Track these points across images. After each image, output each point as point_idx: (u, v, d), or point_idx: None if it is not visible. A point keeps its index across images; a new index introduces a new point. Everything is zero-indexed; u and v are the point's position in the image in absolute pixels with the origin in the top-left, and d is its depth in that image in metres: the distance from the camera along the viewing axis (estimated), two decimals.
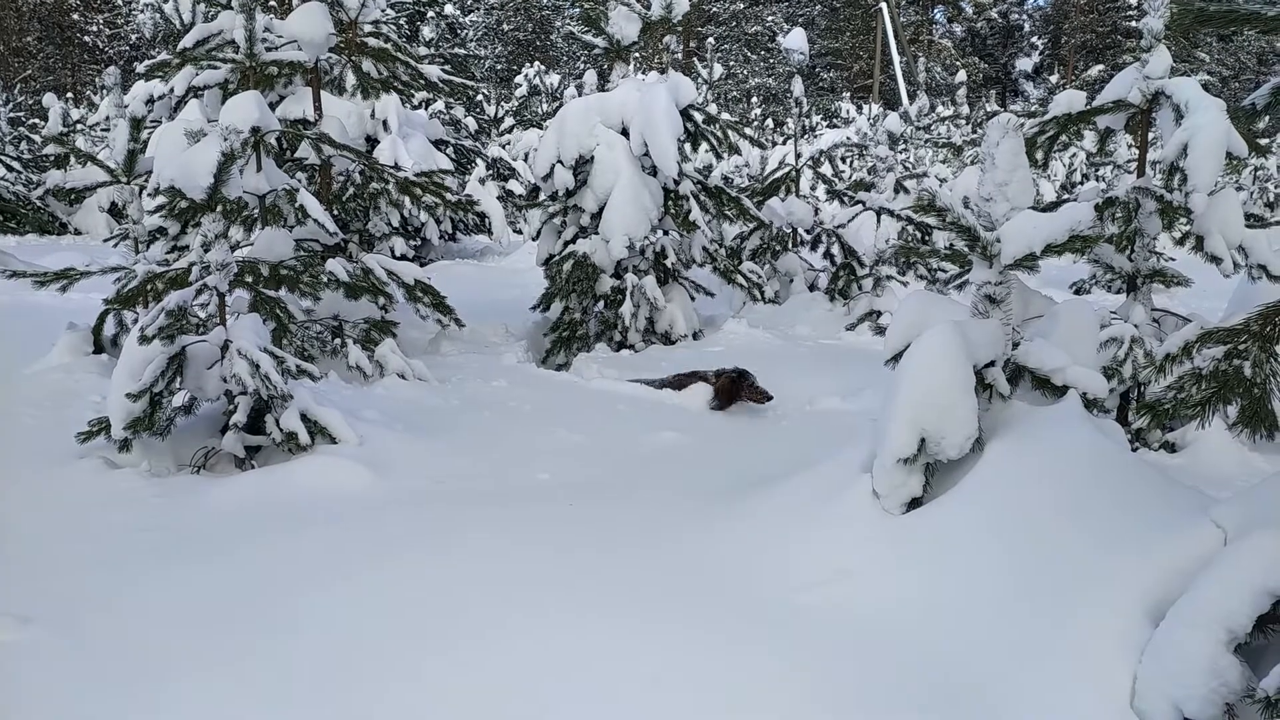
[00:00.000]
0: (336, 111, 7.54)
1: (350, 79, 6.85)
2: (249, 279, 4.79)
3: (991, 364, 3.33)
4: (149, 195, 4.91)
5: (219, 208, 4.05)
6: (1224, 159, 4.46)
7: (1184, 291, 5.77)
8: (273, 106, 8.07)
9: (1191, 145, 4.34)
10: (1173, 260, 5.34)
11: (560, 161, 7.14)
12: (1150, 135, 5.10)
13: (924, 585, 2.85)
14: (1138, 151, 5.09)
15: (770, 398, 5.45)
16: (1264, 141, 17.69)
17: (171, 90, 8.11)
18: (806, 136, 18.70)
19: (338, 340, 5.74)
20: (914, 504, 3.15)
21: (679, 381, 5.70)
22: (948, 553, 2.88)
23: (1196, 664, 2.26)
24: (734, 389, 5.47)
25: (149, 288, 4.88)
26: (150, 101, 9.71)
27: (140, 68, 7.56)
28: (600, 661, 2.63)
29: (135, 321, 5.05)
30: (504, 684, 2.53)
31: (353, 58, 6.66)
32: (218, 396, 4.18)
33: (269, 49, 6.16)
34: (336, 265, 5.35)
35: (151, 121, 8.60)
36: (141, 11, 15.01)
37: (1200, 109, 4.49)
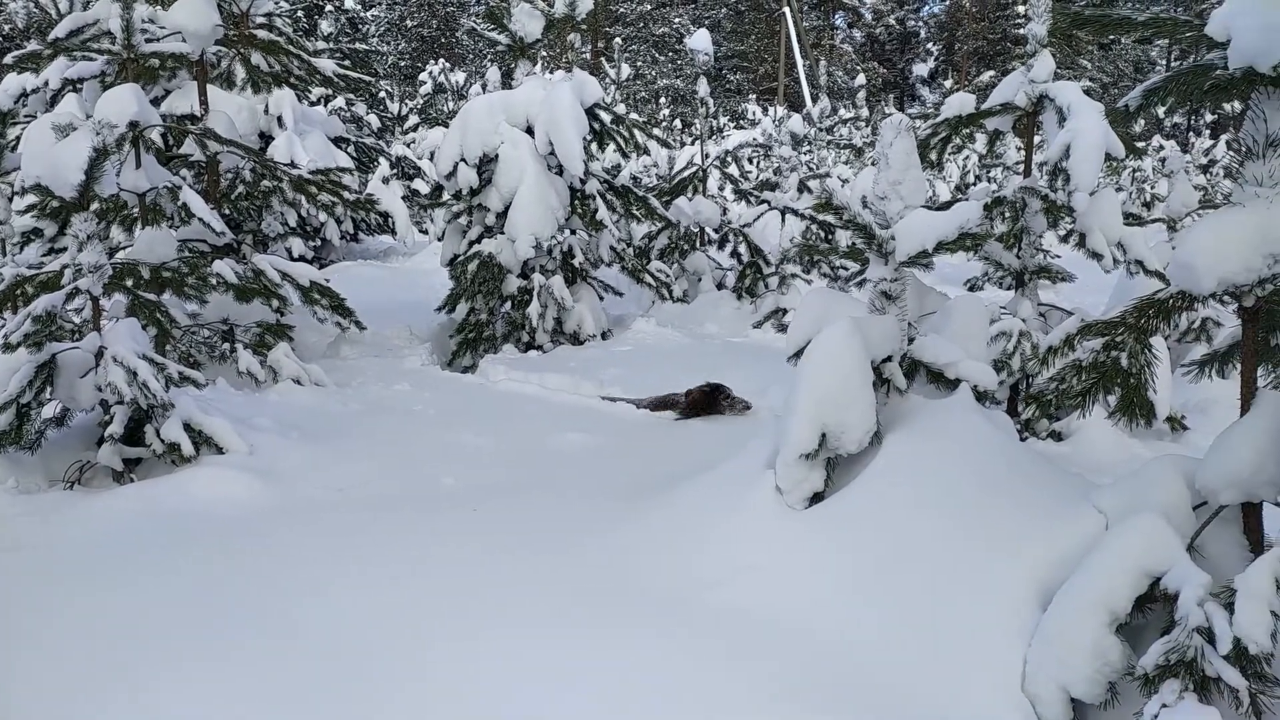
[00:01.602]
0: (225, 107, 7.20)
1: (240, 73, 6.56)
2: (128, 282, 4.53)
3: (889, 359, 3.40)
4: (15, 193, 4.59)
5: (92, 206, 3.81)
6: (1103, 160, 4.68)
7: (1069, 287, 6.04)
8: (157, 102, 7.69)
9: (1073, 147, 4.53)
10: (1058, 257, 5.58)
11: (464, 159, 7.00)
12: (1036, 138, 5.31)
13: (826, 579, 2.87)
14: (1025, 154, 5.29)
15: (749, 406, 5.40)
16: (1141, 145, 18.74)
17: (46, 84, 7.63)
18: (714, 137, 18.89)
19: (227, 345, 5.48)
20: (816, 498, 3.18)
21: (658, 403, 5.49)
22: (848, 546, 2.92)
23: (1081, 646, 2.34)
24: (708, 401, 5.37)
25: (17, 292, 4.57)
26: (24, 96, 9.13)
27: (8, 59, 7.10)
28: (501, 666, 2.56)
29: (2, 328, 4.72)
30: (392, 692, 2.44)
31: (241, 51, 6.38)
32: (92, 407, 3.93)
33: (150, 40, 5.85)
34: (224, 267, 5.11)
35: (26, 117, 8.09)
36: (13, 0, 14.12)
37: (1081, 112, 4.70)
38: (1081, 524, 2.64)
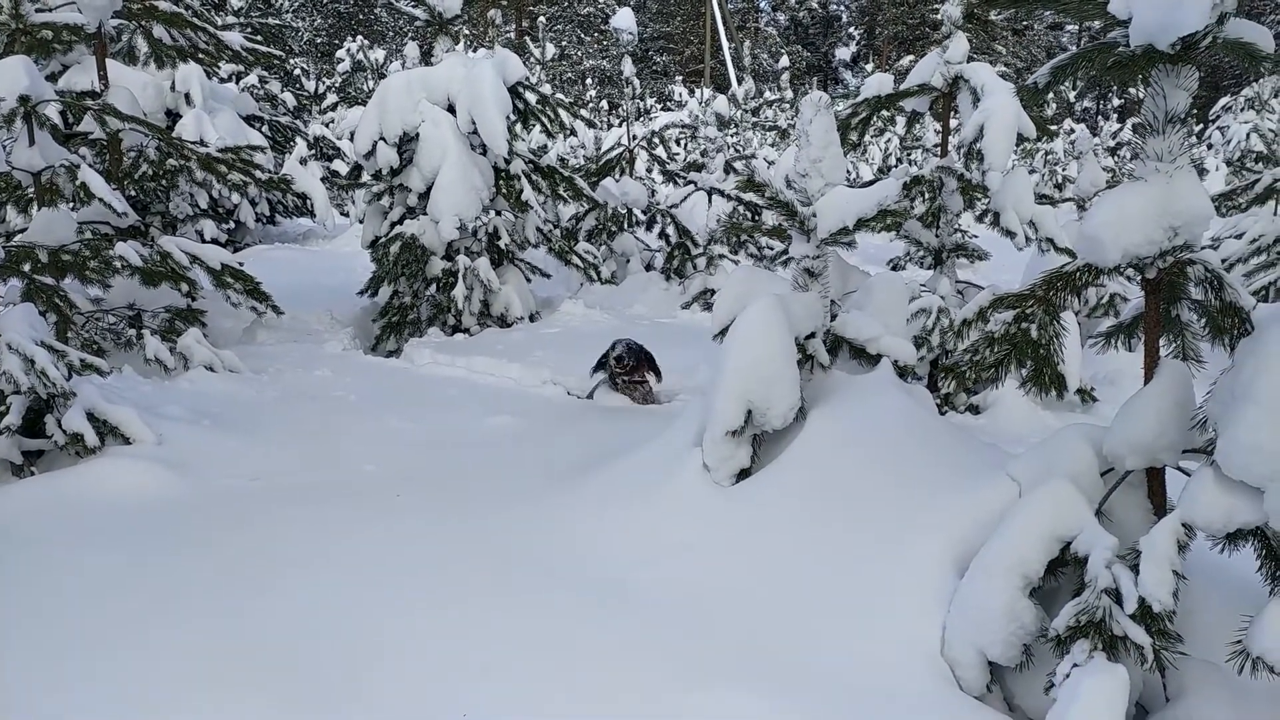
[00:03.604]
0: (129, 83, 6.86)
1: (142, 47, 6.26)
2: (25, 266, 4.30)
3: (812, 335, 3.44)
4: None
5: None
6: (1015, 140, 4.81)
7: (985, 265, 6.21)
8: (54, 77, 7.30)
9: (986, 127, 4.64)
10: (975, 237, 5.74)
11: (383, 138, 6.82)
12: (953, 122, 5.43)
13: (751, 553, 2.90)
14: (942, 135, 5.40)
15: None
16: (1052, 128, 19.38)
17: None
18: (641, 119, 18.84)
19: (134, 331, 5.24)
20: (743, 474, 3.20)
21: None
22: (774, 520, 2.95)
23: (996, 610, 2.40)
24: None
25: None
26: None
27: None
28: (431, 652, 2.52)
29: None
30: (326, 680, 2.37)
31: (143, 23, 6.08)
32: None
33: (41, 10, 5.53)
34: (128, 249, 4.87)
35: None
36: None
37: (995, 92, 4.82)
38: (996, 492, 2.71)
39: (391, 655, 2.51)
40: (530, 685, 2.41)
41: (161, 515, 3.29)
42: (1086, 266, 2.41)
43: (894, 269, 7.58)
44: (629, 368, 5.06)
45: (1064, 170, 19.53)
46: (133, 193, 6.56)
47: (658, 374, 5.21)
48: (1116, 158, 20.08)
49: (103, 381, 4.01)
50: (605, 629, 2.65)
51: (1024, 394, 4.15)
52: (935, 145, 13.33)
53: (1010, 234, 5.08)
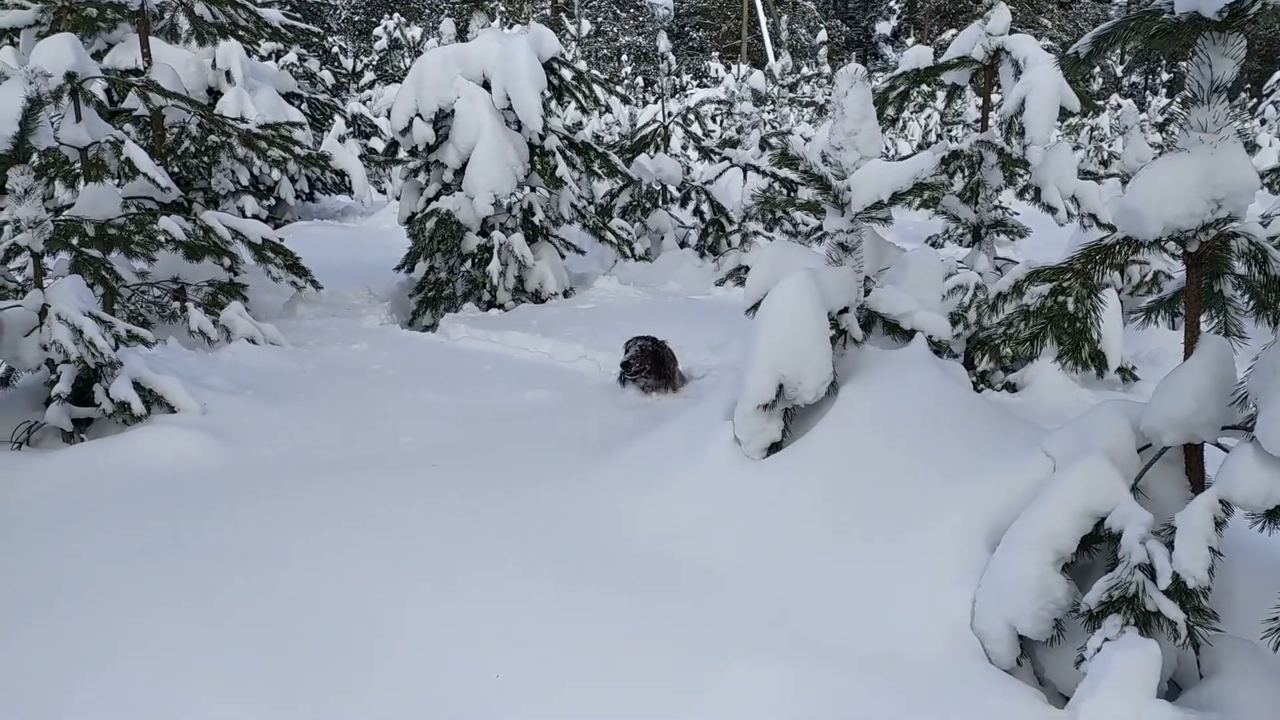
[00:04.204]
0: (171, 60, 6.97)
1: (184, 24, 6.34)
2: (73, 239, 4.40)
3: (845, 310, 3.42)
4: None
5: (30, 160, 3.67)
6: (1058, 113, 4.71)
7: (1025, 243, 6.10)
8: (99, 56, 7.42)
9: (1028, 100, 4.55)
10: (1017, 215, 5.63)
11: (419, 115, 6.86)
12: (995, 98, 5.32)
13: (781, 526, 2.91)
14: (982, 108, 5.30)
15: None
16: (1099, 103, 18.92)
17: None
18: (677, 95, 18.72)
19: (178, 304, 5.36)
20: (774, 448, 3.21)
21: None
22: (804, 494, 2.95)
23: (1028, 584, 2.39)
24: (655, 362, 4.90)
25: None
26: None
27: None
28: (465, 620, 2.57)
29: None
30: (366, 647, 2.43)
31: (184, 1, 6.16)
32: (38, 366, 3.83)
33: None
34: (172, 223, 4.98)
35: None
36: None
37: (1037, 65, 4.71)
38: (1030, 467, 2.69)
39: (426, 624, 2.56)
40: (559, 654, 2.44)
41: (205, 483, 3.38)
42: (1126, 239, 2.37)
43: (933, 247, 7.48)
44: (636, 372, 4.85)
45: (1110, 147, 19.08)
46: (175, 169, 6.67)
47: (669, 378, 4.92)
48: (1165, 133, 19.55)
49: (148, 352, 4.11)
50: (635, 600, 2.68)
51: (1060, 369, 4.10)
52: (976, 121, 13.08)
53: (1051, 210, 5.00)
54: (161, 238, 4.89)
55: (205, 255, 5.12)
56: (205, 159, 7.23)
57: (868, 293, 3.53)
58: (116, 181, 5.38)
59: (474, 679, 2.34)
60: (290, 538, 3.00)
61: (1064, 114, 4.94)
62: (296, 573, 2.79)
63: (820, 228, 6.38)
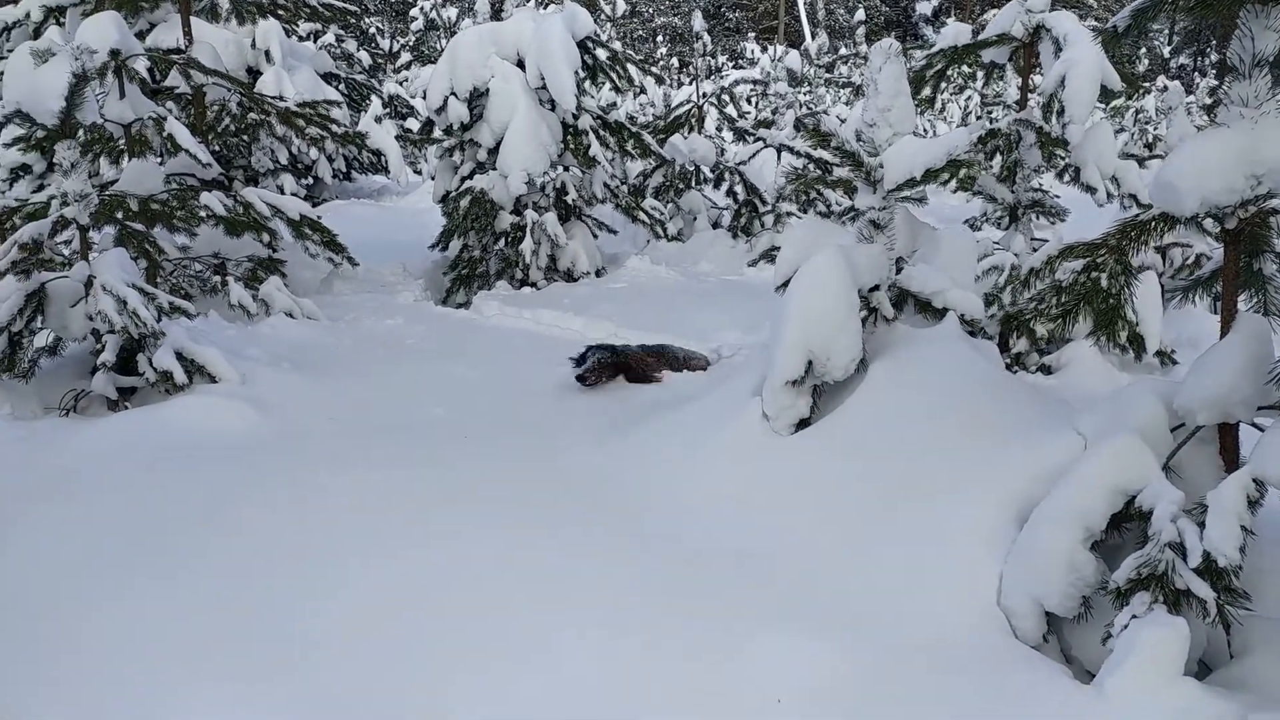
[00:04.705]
0: (211, 39, 7.07)
1: (224, 3, 6.43)
2: (117, 214, 4.51)
3: (876, 287, 3.41)
4: (1, 125, 4.53)
5: (77, 135, 3.77)
6: (1098, 91, 4.62)
7: (1064, 226, 6.02)
8: (142, 35, 7.55)
9: (1068, 77, 4.47)
10: (1058, 197, 5.54)
11: (454, 94, 6.90)
12: (1035, 78, 5.23)
13: (808, 501, 2.92)
14: (1021, 87, 5.22)
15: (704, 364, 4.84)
16: (1145, 85, 18.45)
17: (28, 15, 7.49)
18: (712, 77, 18.59)
19: (219, 279, 5.47)
20: (802, 424, 3.21)
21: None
22: (831, 470, 2.96)
23: (1056, 561, 2.39)
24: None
25: (5, 223, 4.55)
26: (6, 30, 8.97)
27: None
28: (489, 586, 2.62)
29: None
30: (402, 608, 2.49)
31: None
32: (84, 336, 3.94)
33: None
34: (213, 199, 5.07)
35: (8, 50, 7.95)
36: None
37: (1078, 42, 4.63)
38: (1062, 446, 2.68)
39: (453, 586, 2.61)
40: (587, 617, 2.48)
41: (245, 448, 3.47)
42: (1162, 216, 2.34)
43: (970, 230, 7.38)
44: (592, 384, 4.47)
45: (1155, 129, 18.63)
46: (216, 147, 6.79)
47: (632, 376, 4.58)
48: (1212, 115, 19.03)
49: (190, 324, 4.21)
50: (661, 572, 2.70)
51: (1094, 347, 4.04)
52: (1016, 102, 12.85)
53: (1091, 190, 4.91)
54: (203, 213, 4.98)
55: (245, 231, 5.22)
56: (245, 137, 7.34)
57: (899, 271, 3.51)
58: (159, 159, 5.49)
59: (503, 633, 2.38)
60: (331, 502, 3.07)
61: (1106, 93, 4.85)
62: (341, 532, 2.86)
63: (853, 209, 6.34)
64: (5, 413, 3.80)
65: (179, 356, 3.87)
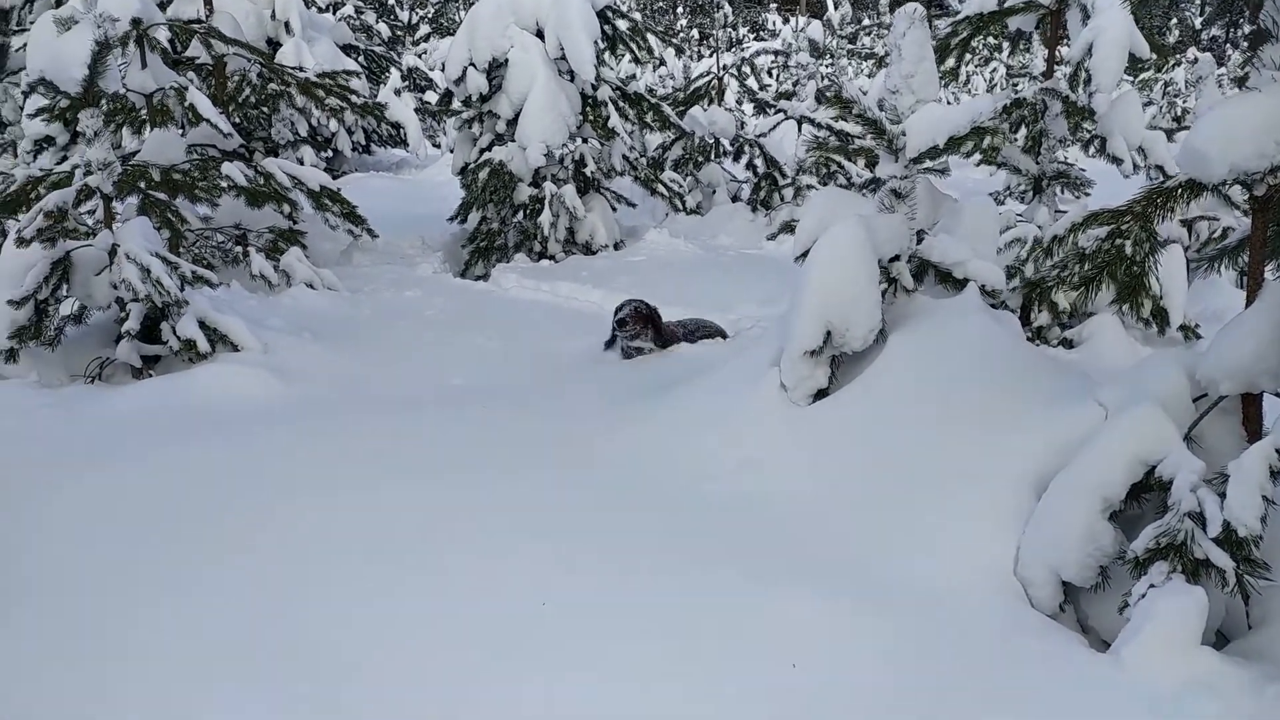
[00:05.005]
0: (231, 9, 7.07)
1: None
2: (140, 184, 4.54)
3: (897, 258, 3.38)
4: (22, 92, 4.56)
5: (100, 103, 3.79)
6: (1127, 59, 4.54)
7: (1089, 199, 5.93)
8: (164, 6, 7.56)
9: (1096, 44, 4.40)
10: (1083, 170, 5.44)
11: (473, 64, 6.88)
12: (1063, 50, 5.13)
13: (825, 470, 2.92)
14: (1048, 55, 5.13)
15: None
16: (1176, 57, 18.08)
17: None
18: (734, 49, 18.40)
19: (240, 249, 5.51)
20: (820, 395, 3.20)
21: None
22: (849, 439, 2.96)
23: (1074, 530, 2.38)
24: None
25: (30, 193, 4.60)
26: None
27: None
28: (511, 552, 2.64)
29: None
30: (421, 579, 2.52)
31: None
32: (109, 304, 3.99)
33: None
34: (234, 169, 5.10)
35: (31, 21, 8.00)
36: None
37: (1106, 9, 4.54)
38: (1082, 416, 2.66)
39: (475, 552, 2.64)
40: (609, 580, 2.50)
41: (267, 416, 3.51)
42: (1189, 182, 2.30)
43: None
44: (632, 334, 4.47)
45: (1184, 102, 18.29)
46: (236, 119, 6.81)
47: (659, 333, 4.58)
48: (1243, 88, 18.63)
49: (212, 294, 4.25)
50: (680, 535, 2.72)
51: (1117, 320, 4.00)
52: (1042, 74, 12.65)
53: (1117, 161, 4.82)
54: (224, 183, 5.01)
55: (266, 202, 5.24)
56: (265, 109, 7.36)
57: (920, 240, 3.48)
58: (181, 131, 5.52)
59: (525, 602, 2.41)
60: (354, 468, 3.10)
61: (1134, 62, 4.76)
62: (365, 496, 2.89)
63: (874, 180, 6.27)
64: (32, 380, 3.86)
65: (202, 325, 3.91)
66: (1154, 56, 4.88)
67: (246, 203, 5.29)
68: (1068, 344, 4.97)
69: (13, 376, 3.86)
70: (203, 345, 3.86)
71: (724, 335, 4.93)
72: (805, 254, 3.42)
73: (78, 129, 3.73)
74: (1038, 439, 2.68)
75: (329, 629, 2.28)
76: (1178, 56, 18.84)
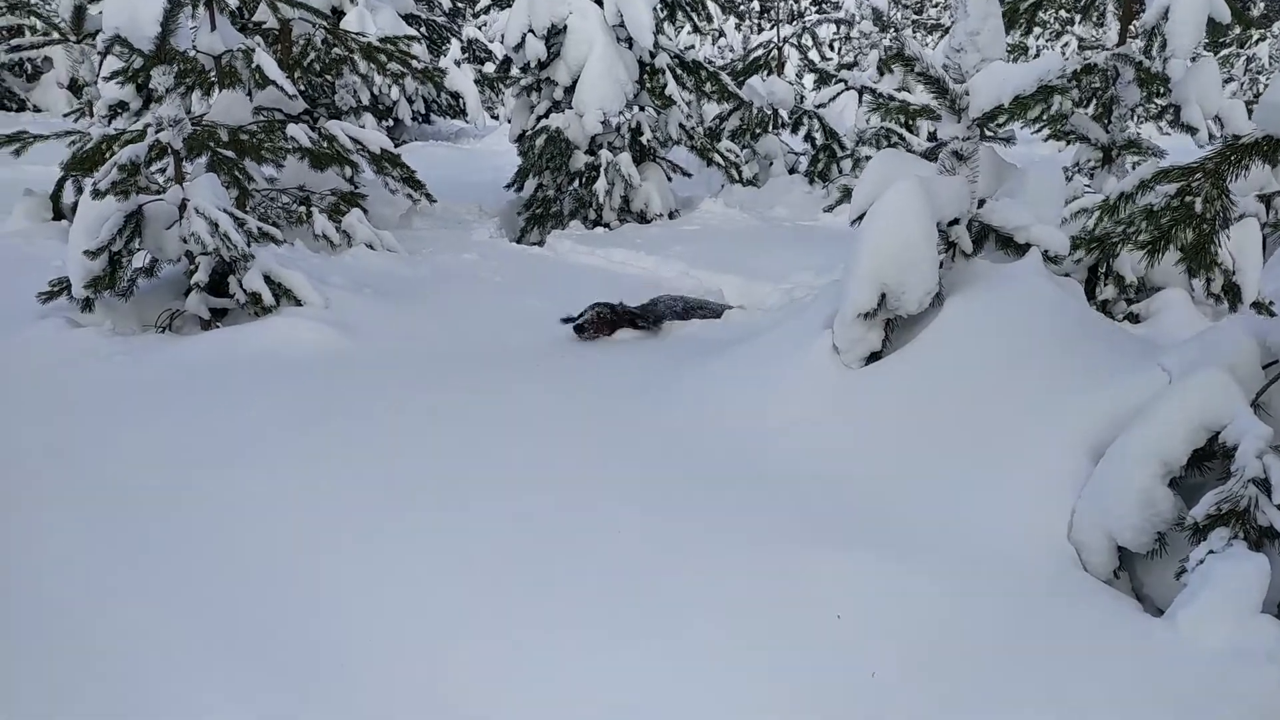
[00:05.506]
0: None
1: None
2: (209, 144, 4.67)
3: (956, 221, 3.32)
4: (98, 53, 4.71)
5: (172, 61, 3.89)
6: (1205, 23, 4.37)
7: None
8: None
9: (1173, 6, 4.24)
10: (1155, 144, 5.27)
11: (532, 31, 6.90)
12: (1135, 25, 4.96)
13: (878, 433, 2.90)
14: (1122, 19, 4.97)
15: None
16: (1259, 32, 17.28)
17: None
18: (795, 23, 18.10)
19: (304, 210, 5.64)
20: (873, 358, 3.17)
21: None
22: (902, 402, 2.93)
23: (1132, 496, 2.33)
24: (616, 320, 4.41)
25: (106, 151, 4.76)
26: None
27: None
28: (578, 498, 2.68)
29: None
30: (477, 530, 2.58)
31: None
32: (179, 258, 4.12)
33: None
34: (298, 131, 5.21)
35: None
36: None
37: None
38: (1145, 382, 2.59)
39: (523, 511, 2.68)
40: (663, 542, 2.52)
41: (330, 366, 3.61)
42: (1266, 138, 2.22)
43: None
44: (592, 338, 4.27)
45: (1267, 79, 17.51)
46: (302, 85, 6.95)
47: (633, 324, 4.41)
48: None
49: (276, 251, 4.36)
50: (733, 493, 2.73)
51: (1186, 292, 3.88)
52: (1115, 45, 12.20)
53: (1191, 130, 4.66)
54: (289, 145, 5.12)
55: (329, 164, 5.35)
56: (329, 74, 7.48)
57: (981, 204, 3.41)
58: (247, 92, 5.65)
59: (573, 556, 2.45)
60: (416, 416, 3.17)
61: (1214, 28, 4.58)
62: (427, 443, 2.98)
63: (936, 147, 6.15)
64: (106, 328, 4.02)
65: (267, 280, 4.02)
66: (1236, 27, 4.69)
67: (310, 165, 5.41)
68: (1133, 319, 4.84)
69: (88, 325, 4.02)
70: (267, 298, 3.97)
71: (717, 315, 4.72)
72: (861, 217, 3.38)
73: (150, 86, 3.84)
74: (1096, 404, 2.63)
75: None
76: (1262, 30, 18.02)
